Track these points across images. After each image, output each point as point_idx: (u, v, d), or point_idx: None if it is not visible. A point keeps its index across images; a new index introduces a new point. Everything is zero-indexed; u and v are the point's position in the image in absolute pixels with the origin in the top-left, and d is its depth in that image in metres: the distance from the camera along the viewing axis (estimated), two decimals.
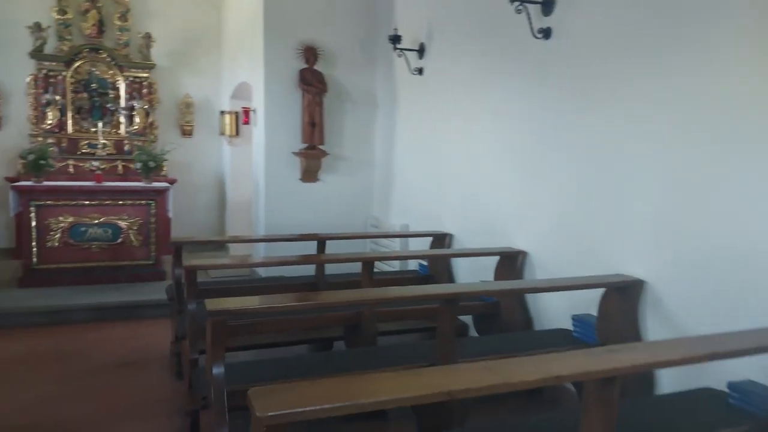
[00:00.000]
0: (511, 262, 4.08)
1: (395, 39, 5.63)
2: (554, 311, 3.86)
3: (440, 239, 5.11)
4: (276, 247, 5.84)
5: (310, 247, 4.82)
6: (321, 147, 6.36)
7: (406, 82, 6.00)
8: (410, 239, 5.75)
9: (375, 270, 5.61)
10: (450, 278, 5.01)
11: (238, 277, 6.24)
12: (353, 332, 3.90)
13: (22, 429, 3.34)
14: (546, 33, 3.88)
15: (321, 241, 4.71)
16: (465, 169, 4.96)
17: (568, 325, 3.62)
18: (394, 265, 5.68)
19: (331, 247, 4.83)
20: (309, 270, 4.80)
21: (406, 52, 5.68)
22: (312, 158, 6.35)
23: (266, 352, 3.67)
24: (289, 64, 6.25)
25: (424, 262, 5.21)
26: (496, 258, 4.16)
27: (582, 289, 3.31)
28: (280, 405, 1.52)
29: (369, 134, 6.70)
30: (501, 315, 4.09)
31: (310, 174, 6.43)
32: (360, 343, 3.76)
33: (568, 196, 3.75)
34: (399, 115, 6.22)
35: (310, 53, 6.28)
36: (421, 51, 5.68)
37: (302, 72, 6.25)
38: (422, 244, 5.33)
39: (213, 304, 2.41)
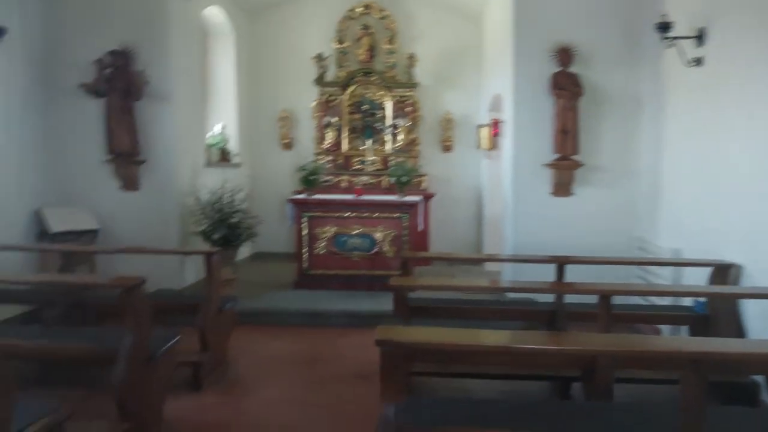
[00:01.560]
0: None
1: (664, 27, 4.69)
2: None
3: (723, 271, 4.03)
4: (524, 267, 5.39)
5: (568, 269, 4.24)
6: (574, 157, 5.70)
7: (679, 77, 4.97)
8: (683, 268, 4.70)
9: (642, 301, 4.76)
10: (736, 323, 3.91)
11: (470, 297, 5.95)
12: (590, 375, 3.28)
13: (247, 429, 3.60)
14: None
15: (560, 265, 4.14)
16: (757, 182, 3.82)
17: None
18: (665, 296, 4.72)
19: (578, 271, 4.21)
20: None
21: (678, 40, 4.69)
22: (564, 170, 5.74)
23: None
24: (540, 70, 5.77)
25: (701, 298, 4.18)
26: None
27: None
28: None
29: (631, 140, 5.78)
30: None
31: (562, 187, 5.82)
32: (594, 390, 3.13)
33: None
34: (668, 116, 5.20)
35: (564, 55, 5.70)
36: (699, 37, 4.63)
37: (555, 76, 5.71)
38: (700, 275, 4.28)
39: (383, 332, 2.19)
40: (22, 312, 5.25)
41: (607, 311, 3.12)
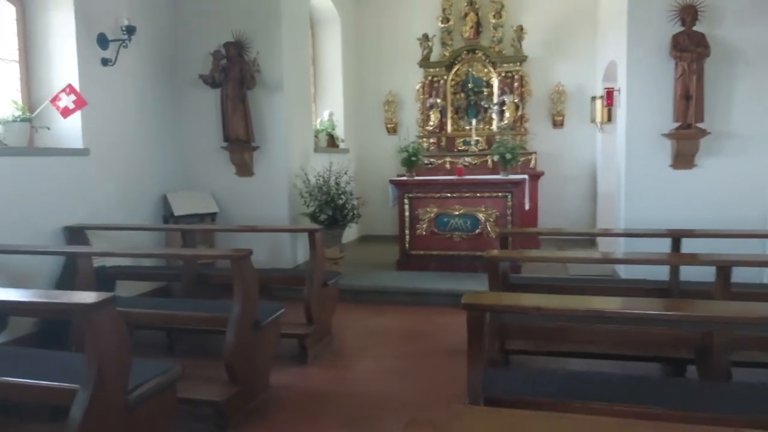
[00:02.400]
0: None
1: None
2: None
3: None
4: (639, 242, 5.02)
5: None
6: (699, 125, 5.19)
7: None
8: None
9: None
10: None
11: (583, 276, 5.65)
12: (704, 358, 3.00)
13: (347, 397, 3.70)
14: None
15: (676, 239, 3.80)
16: None
17: None
18: None
19: (698, 247, 3.82)
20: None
21: None
22: (686, 139, 5.25)
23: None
24: (658, 31, 5.30)
25: None
26: None
27: None
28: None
29: None
30: None
31: (683, 159, 5.34)
32: (710, 373, 2.85)
33: None
34: None
35: (688, 12, 5.19)
36: None
37: (675, 37, 5.22)
38: None
39: (471, 297, 2.13)
40: (152, 289, 5.80)
41: (724, 287, 2.81)
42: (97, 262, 4.89)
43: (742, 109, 5.23)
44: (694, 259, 3.08)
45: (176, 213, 6.05)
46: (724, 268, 2.83)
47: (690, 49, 5.13)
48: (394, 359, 4.38)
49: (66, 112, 4.89)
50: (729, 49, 5.20)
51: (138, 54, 5.85)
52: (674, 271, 3.70)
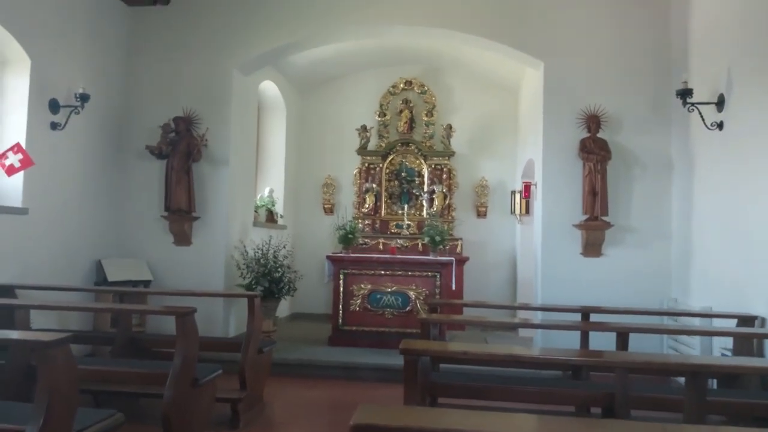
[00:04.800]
0: None
1: (685, 93, 5.00)
2: None
3: (747, 322, 4.09)
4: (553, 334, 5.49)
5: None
6: (604, 218, 5.89)
7: (703, 140, 5.21)
8: (711, 323, 4.73)
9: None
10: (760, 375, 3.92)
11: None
12: (609, 415, 3.35)
13: None
14: None
15: (585, 313, 4.27)
16: None
17: None
18: (694, 347, 4.75)
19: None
20: None
21: (699, 106, 4.98)
22: (594, 230, 5.92)
23: None
24: (569, 135, 6.10)
25: (728, 349, 4.21)
26: None
27: None
28: None
29: (662, 202, 5.95)
30: None
31: (592, 248, 5.98)
32: None
33: None
34: (696, 178, 5.40)
35: (592, 121, 6.03)
36: (720, 103, 4.90)
37: (582, 141, 6.02)
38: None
39: (406, 343, 2.40)
40: (80, 356, 5.63)
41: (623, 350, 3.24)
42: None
43: (639, 206, 6.00)
44: (600, 326, 3.52)
45: (110, 279, 6.01)
46: (622, 333, 3.27)
47: (595, 151, 5.93)
48: (326, 429, 4.46)
49: (11, 170, 4.95)
50: (627, 154, 6.04)
51: (88, 121, 6.02)
52: (584, 339, 4.15)
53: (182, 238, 6.57)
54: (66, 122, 5.61)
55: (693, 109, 5.02)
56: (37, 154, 5.20)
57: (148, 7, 6.74)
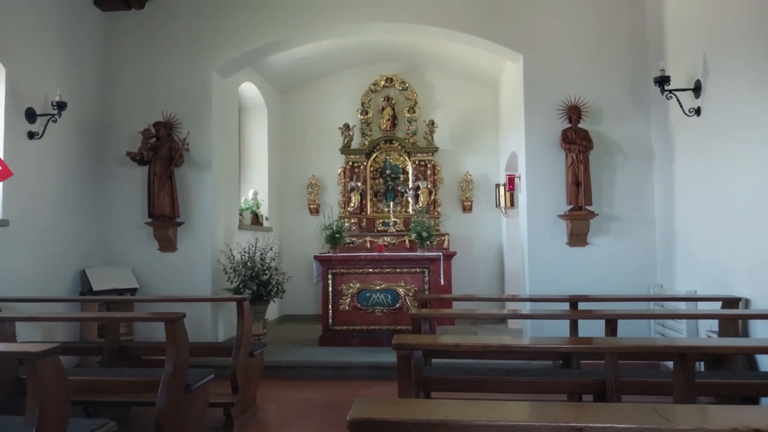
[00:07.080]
0: None
1: (662, 80, 5.06)
2: None
3: (731, 304, 4.16)
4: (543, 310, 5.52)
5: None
6: (588, 208, 5.94)
7: (682, 127, 5.28)
8: (696, 306, 4.81)
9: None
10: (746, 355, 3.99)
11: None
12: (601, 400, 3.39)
13: None
14: None
15: (574, 302, 4.31)
16: (761, 221, 4.01)
17: None
18: (680, 330, 4.82)
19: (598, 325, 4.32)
20: None
21: (677, 93, 5.04)
22: (578, 219, 5.97)
23: None
24: (550, 127, 6.13)
25: (714, 331, 4.28)
26: None
27: None
28: None
29: (645, 190, 6.01)
30: None
31: (578, 238, 6.03)
32: None
33: None
34: (676, 164, 5.47)
35: (573, 112, 6.07)
36: (696, 89, 4.97)
37: (564, 132, 6.06)
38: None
39: (398, 338, 2.40)
40: (67, 367, 5.55)
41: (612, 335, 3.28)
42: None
43: (622, 195, 6.06)
44: (588, 314, 3.56)
45: (95, 288, 5.94)
46: (611, 320, 3.30)
47: (577, 142, 5.97)
48: (320, 429, 4.45)
49: None
50: (608, 143, 6.10)
51: (66, 129, 5.94)
52: (573, 327, 4.19)
53: (167, 244, 6.51)
54: (44, 131, 5.52)
55: (671, 96, 5.08)
56: (15, 165, 5.11)
57: (122, 12, 6.66)
